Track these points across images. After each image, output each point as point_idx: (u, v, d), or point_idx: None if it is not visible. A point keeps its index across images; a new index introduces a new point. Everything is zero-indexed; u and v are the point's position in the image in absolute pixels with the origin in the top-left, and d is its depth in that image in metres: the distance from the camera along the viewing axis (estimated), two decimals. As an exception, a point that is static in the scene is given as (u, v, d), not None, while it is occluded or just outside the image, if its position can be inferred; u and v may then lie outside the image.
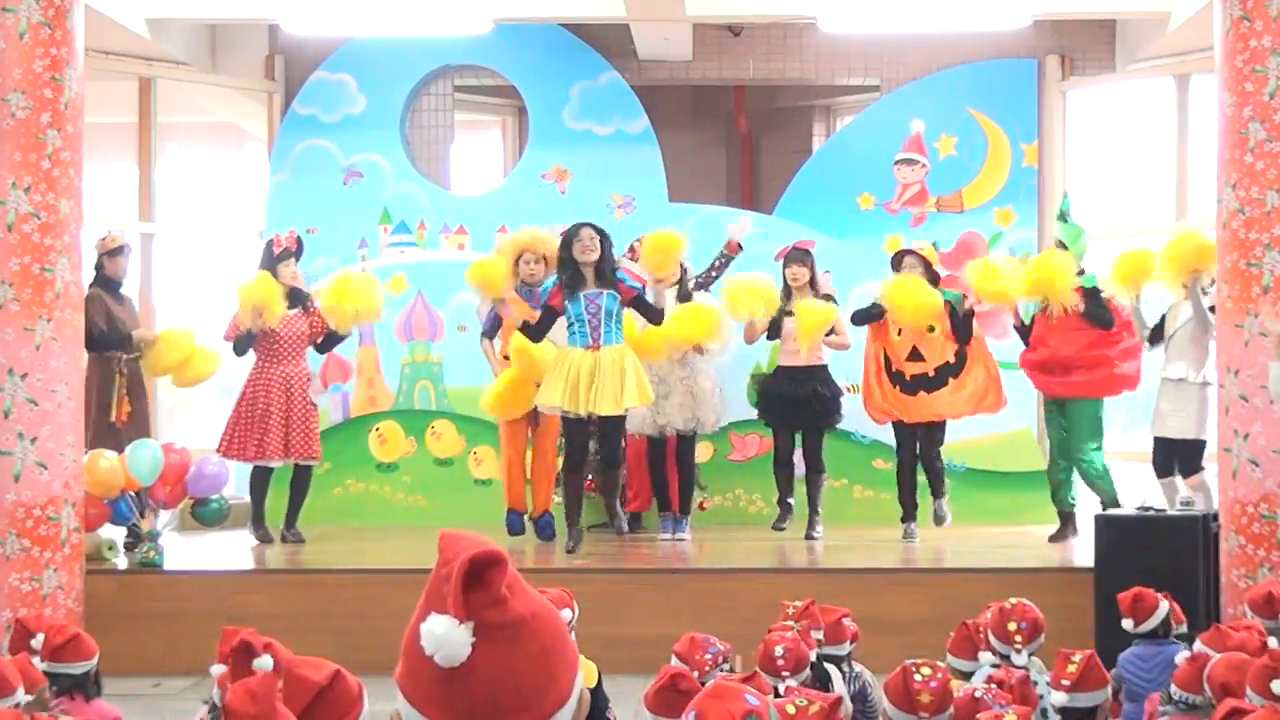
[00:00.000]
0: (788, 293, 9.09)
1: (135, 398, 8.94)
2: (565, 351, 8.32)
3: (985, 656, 4.84)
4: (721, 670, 4.34)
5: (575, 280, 8.31)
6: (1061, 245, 8.81)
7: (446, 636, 1.52)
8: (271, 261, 9.02)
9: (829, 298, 9.16)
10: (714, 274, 9.36)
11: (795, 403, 8.98)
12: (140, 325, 9.15)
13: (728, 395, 9.39)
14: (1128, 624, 5.16)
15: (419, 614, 1.57)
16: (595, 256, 8.28)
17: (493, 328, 9.17)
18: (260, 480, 9.01)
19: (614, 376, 8.19)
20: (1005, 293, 8.82)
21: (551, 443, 9.07)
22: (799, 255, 9.18)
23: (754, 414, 9.40)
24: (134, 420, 8.87)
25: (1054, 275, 8.60)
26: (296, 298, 9.01)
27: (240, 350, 8.94)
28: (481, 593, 1.54)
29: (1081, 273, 8.71)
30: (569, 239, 8.36)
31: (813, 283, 9.11)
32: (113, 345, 8.79)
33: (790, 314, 9.00)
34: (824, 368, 9.08)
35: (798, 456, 9.21)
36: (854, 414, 9.70)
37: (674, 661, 4.49)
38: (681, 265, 9.28)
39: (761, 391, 9.19)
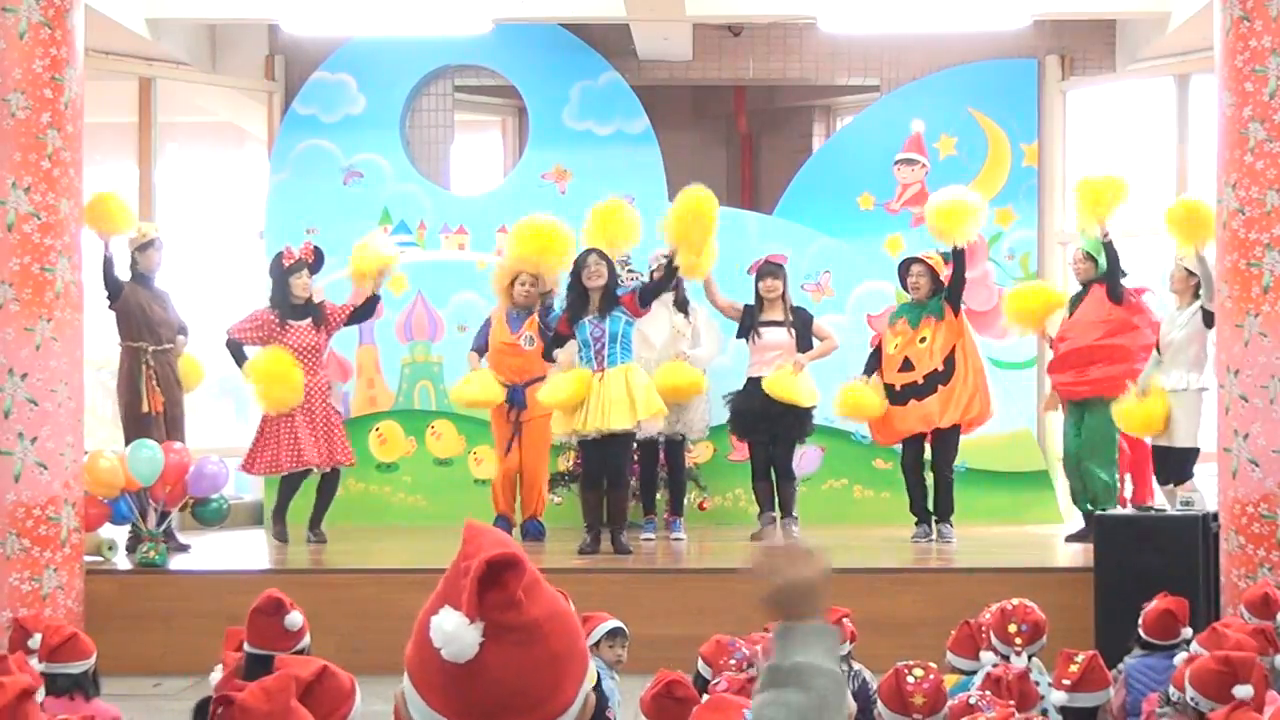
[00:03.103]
0: (760, 305, 9.09)
1: (168, 394, 8.90)
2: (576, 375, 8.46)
3: (987, 656, 4.82)
4: (748, 673, 4.32)
5: (581, 306, 8.39)
6: (1090, 257, 8.82)
7: (456, 634, 1.52)
8: (282, 274, 8.97)
9: (801, 310, 9.13)
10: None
11: (765, 416, 8.96)
12: (176, 319, 9.09)
13: (716, 400, 9.35)
14: (1187, 633, 5.05)
15: (434, 600, 1.58)
16: (601, 282, 8.39)
17: (483, 345, 9.28)
18: (293, 481, 9.03)
19: (620, 393, 8.25)
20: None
21: (539, 452, 9.12)
22: (771, 269, 9.15)
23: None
24: (166, 416, 8.85)
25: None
26: (307, 310, 8.98)
27: (237, 356, 8.95)
28: (496, 594, 1.54)
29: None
30: (578, 266, 8.46)
31: (784, 296, 9.09)
32: (141, 335, 8.81)
33: (767, 325, 8.99)
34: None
35: None
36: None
37: (700, 664, 4.49)
38: (674, 265, 9.27)
39: (732, 405, 9.17)
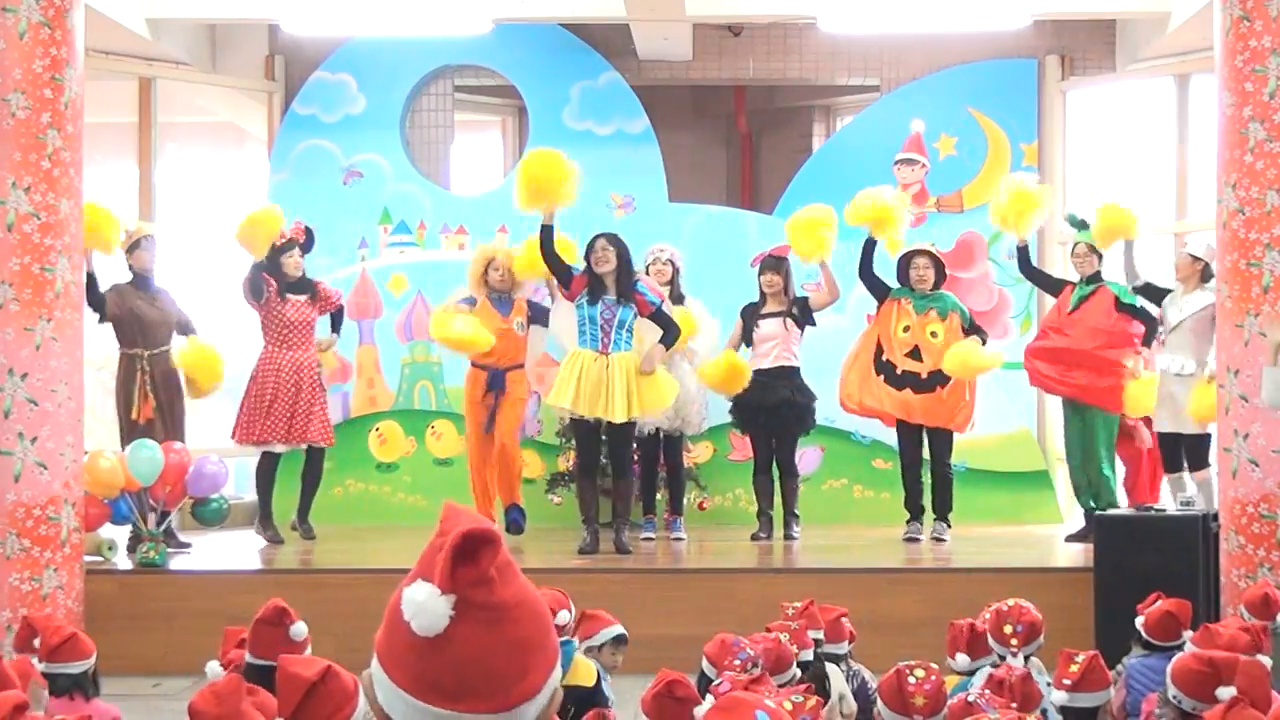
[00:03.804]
0: (763, 299, 9.10)
1: (165, 396, 8.85)
2: (576, 354, 8.39)
3: (961, 660, 4.84)
4: (750, 674, 4.31)
5: (597, 287, 8.35)
6: (1093, 250, 8.81)
7: (426, 605, 1.53)
8: (274, 253, 8.98)
9: (803, 301, 9.15)
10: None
11: (768, 409, 8.96)
12: (178, 317, 9.07)
13: (715, 396, 9.35)
14: (1188, 635, 5.04)
15: (409, 578, 1.59)
16: (610, 267, 8.33)
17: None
18: (267, 470, 9.02)
19: (624, 383, 8.23)
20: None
21: (513, 431, 8.97)
22: (773, 263, 9.19)
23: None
24: (164, 418, 8.82)
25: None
26: (303, 286, 9.01)
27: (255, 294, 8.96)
28: (469, 569, 1.54)
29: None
30: (588, 250, 8.43)
31: (786, 290, 9.10)
32: (136, 341, 8.78)
33: (764, 317, 9.01)
34: (795, 371, 9.05)
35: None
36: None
37: (704, 664, 4.50)
38: (673, 265, 9.30)
39: (734, 398, 9.16)
